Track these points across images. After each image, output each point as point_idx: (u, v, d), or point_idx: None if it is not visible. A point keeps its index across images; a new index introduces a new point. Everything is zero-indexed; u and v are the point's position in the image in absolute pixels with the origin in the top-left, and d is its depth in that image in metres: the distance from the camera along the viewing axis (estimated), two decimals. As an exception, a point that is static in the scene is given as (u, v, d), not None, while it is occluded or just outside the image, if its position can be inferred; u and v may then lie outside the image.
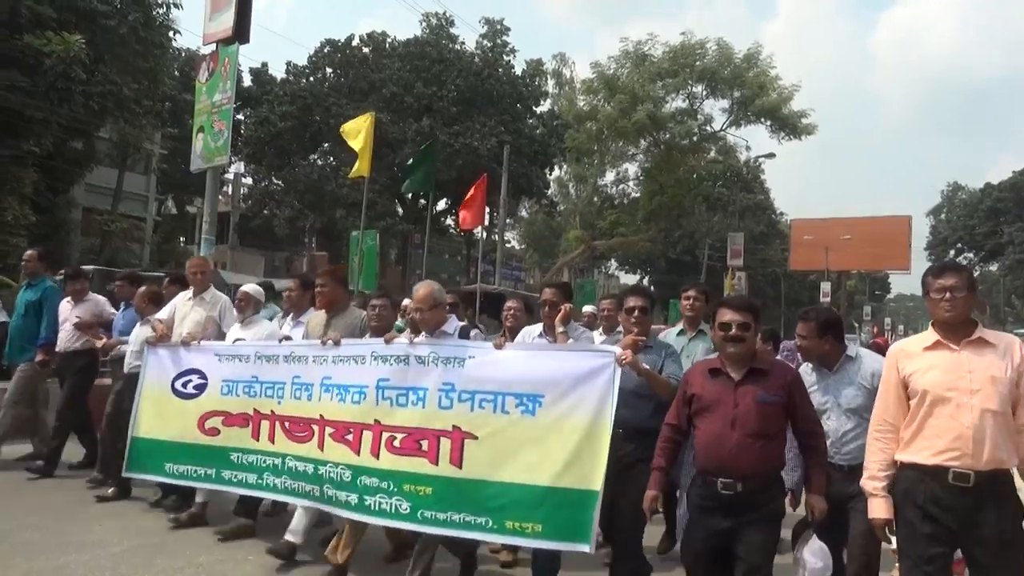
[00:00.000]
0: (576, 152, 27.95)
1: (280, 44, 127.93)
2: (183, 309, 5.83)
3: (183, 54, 29.19)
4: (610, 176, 33.06)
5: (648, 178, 28.13)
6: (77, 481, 6.20)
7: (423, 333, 4.45)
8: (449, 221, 37.72)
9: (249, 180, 37.91)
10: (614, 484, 3.68)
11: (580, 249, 30.21)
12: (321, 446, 4.50)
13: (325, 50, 34.92)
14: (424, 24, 35.03)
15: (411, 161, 13.32)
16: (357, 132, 11.25)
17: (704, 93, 25.77)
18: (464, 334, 4.48)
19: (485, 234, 29.30)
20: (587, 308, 8.53)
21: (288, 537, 4.63)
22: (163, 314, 5.81)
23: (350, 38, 35.11)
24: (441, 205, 35.90)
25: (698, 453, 3.29)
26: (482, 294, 12.15)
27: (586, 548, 3.59)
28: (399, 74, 32.50)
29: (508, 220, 37.85)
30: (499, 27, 34.84)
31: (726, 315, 3.31)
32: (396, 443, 4.19)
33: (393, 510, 4.09)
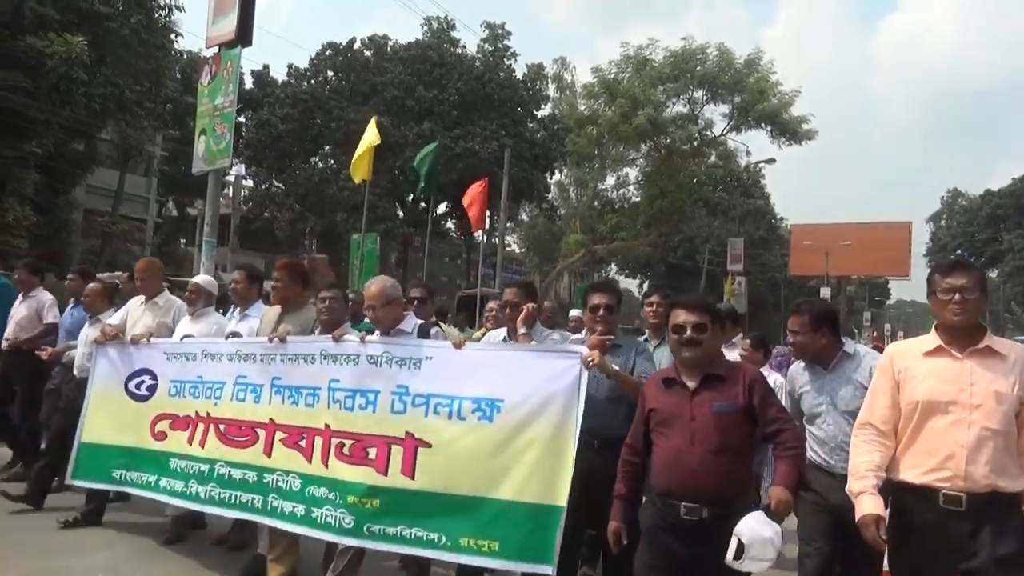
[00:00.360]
0: (577, 156, 27.98)
1: (281, 46, 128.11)
2: (135, 314, 5.50)
3: (185, 56, 29.22)
4: (610, 180, 33.09)
5: (648, 182, 28.14)
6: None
7: (377, 332, 4.16)
8: (449, 224, 37.74)
9: (250, 182, 37.90)
10: (594, 503, 3.38)
11: (580, 253, 30.22)
12: (268, 452, 4.17)
13: (326, 53, 34.95)
14: (425, 28, 35.09)
15: (417, 163, 13.25)
16: (363, 143, 11.21)
17: (705, 98, 25.79)
18: (424, 333, 4.12)
19: (485, 237, 29.32)
20: (574, 312, 8.43)
21: (261, 551, 4.35)
22: (115, 319, 5.51)
23: (351, 41, 35.14)
24: (442, 208, 35.92)
25: (656, 473, 2.93)
26: (483, 297, 12.17)
27: (548, 569, 3.28)
28: (400, 77, 32.53)
29: (509, 224, 37.85)
30: (500, 31, 34.88)
31: (679, 316, 2.99)
32: (345, 450, 3.89)
33: (338, 524, 3.77)
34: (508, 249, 41.32)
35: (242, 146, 33.15)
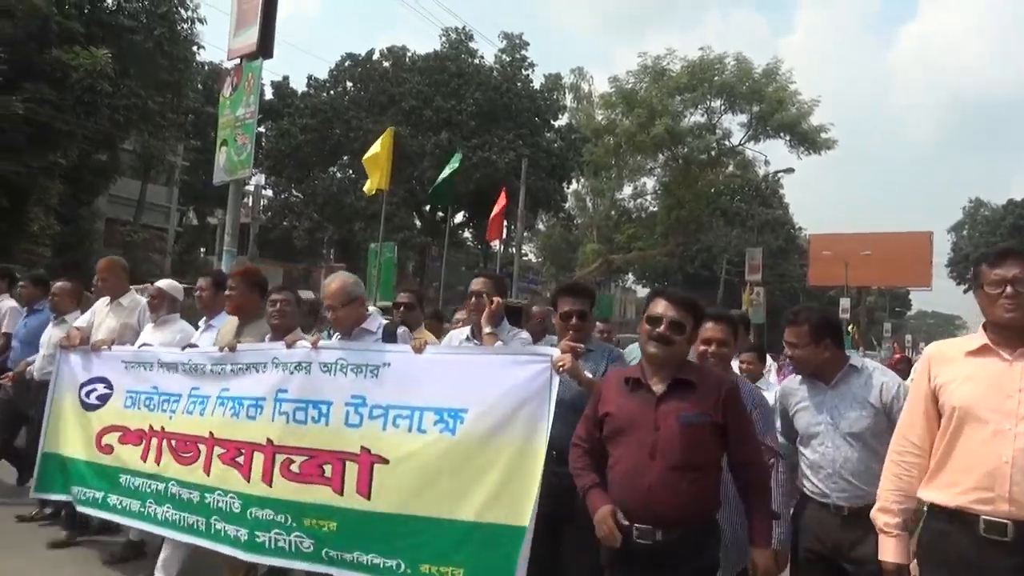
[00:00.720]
0: (594, 166, 27.99)
1: (302, 58, 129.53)
2: (100, 316, 5.21)
3: (206, 68, 29.61)
4: (628, 190, 33.07)
5: (666, 192, 28.09)
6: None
7: (336, 335, 3.82)
8: (467, 234, 37.83)
9: (269, 192, 38.25)
10: (554, 532, 3.08)
11: (597, 263, 30.18)
12: (207, 469, 3.83)
13: (346, 64, 35.25)
14: (444, 39, 35.29)
15: (443, 176, 13.35)
16: (375, 152, 11.35)
17: (723, 108, 25.75)
18: (389, 335, 3.74)
19: (503, 247, 29.36)
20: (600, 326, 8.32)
21: (157, 574, 4.05)
22: (81, 321, 5.25)
23: (371, 52, 35.44)
24: (459, 218, 36.04)
25: (610, 489, 2.61)
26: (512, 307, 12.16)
27: None
28: (418, 88, 32.73)
29: (525, 233, 37.88)
30: (518, 42, 35.01)
31: (659, 306, 2.67)
32: (294, 468, 3.52)
33: (293, 548, 3.44)
34: (525, 258, 41.32)
35: (262, 156, 33.47)
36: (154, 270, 27.61)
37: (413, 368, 3.43)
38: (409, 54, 35.09)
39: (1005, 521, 2.12)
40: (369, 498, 3.31)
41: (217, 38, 50.33)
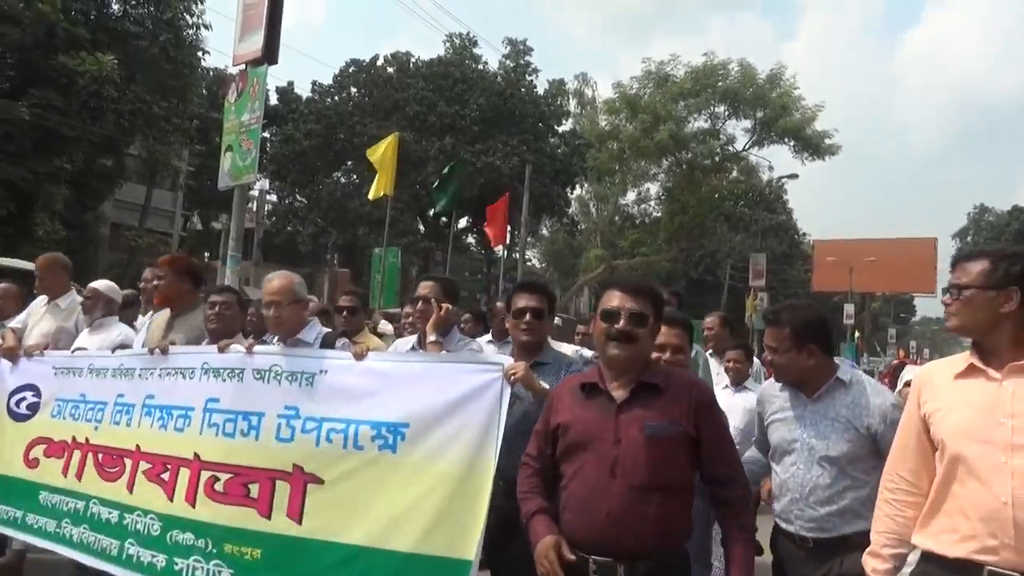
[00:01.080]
0: (598, 171, 28.03)
1: (306, 64, 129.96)
2: (35, 318, 4.86)
3: (211, 73, 29.75)
4: (631, 196, 33.15)
5: (670, 198, 28.10)
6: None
7: (275, 340, 3.48)
8: (470, 239, 37.87)
9: (273, 197, 38.35)
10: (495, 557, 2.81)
11: (601, 268, 30.18)
12: (130, 486, 3.45)
13: (350, 70, 35.37)
14: (448, 44, 35.42)
15: (439, 181, 13.43)
16: (379, 153, 11.41)
17: (726, 113, 25.77)
18: (328, 344, 3.42)
19: (506, 252, 29.37)
20: (581, 327, 8.23)
21: None
22: (16, 322, 4.86)
23: (375, 58, 35.55)
24: (463, 223, 36.08)
25: (563, 515, 2.26)
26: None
27: None
28: (422, 93, 32.82)
29: (529, 239, 37.92)
30: (522, 47, 35.11)
31: (613, 299, 2.32)
32: (218, 486, 3.16)
33: None
34: (528, 264, 41.34)
35: (266, 161, 33.59)
36: (159, 275, 27.68)
37: (351, 377, 3.09)
38: (413, 60, 35.20)
39: (1012, 574, 1.84)
40: (300, 522, 2.94)
41: (222, 44, 50.63)
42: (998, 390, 1.96)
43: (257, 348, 3.36)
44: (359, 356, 3.13)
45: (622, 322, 2.27)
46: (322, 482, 2.96)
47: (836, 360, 2.78)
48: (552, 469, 2.37)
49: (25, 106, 18.28)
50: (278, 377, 3.21)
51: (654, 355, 2.74)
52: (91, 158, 22.29)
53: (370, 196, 12.75)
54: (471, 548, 2.63)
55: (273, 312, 3.36)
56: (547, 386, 2.80)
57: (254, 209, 38.80)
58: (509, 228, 24.87)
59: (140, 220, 28.78)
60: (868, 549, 2.19)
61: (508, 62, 34.94)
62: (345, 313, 4.79)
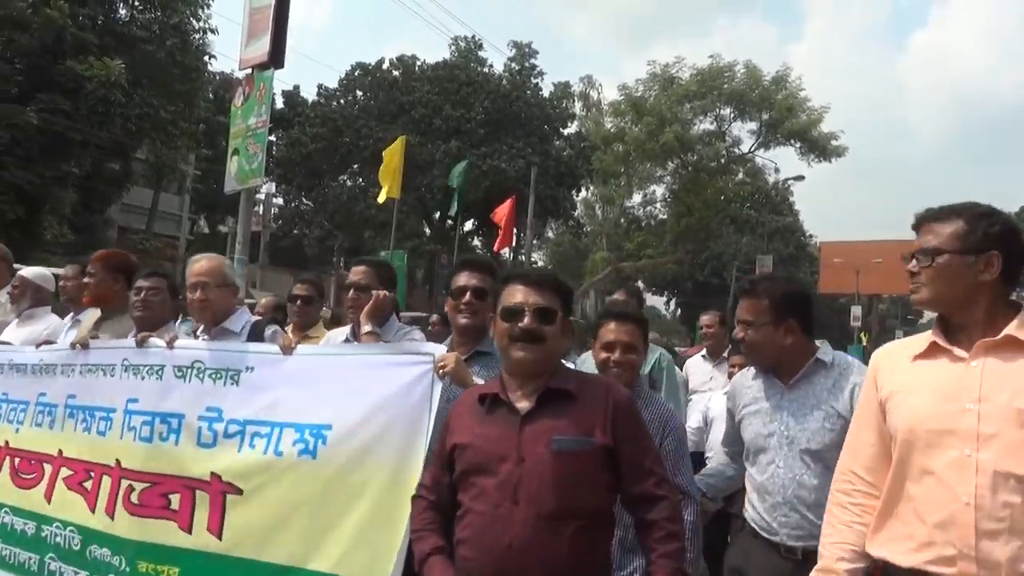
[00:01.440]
0: (603, 174, 28.00)
1: (312, 67, 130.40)
2: None
3: (217, 77, 29.88)
4: (637, 198, 33.03)
5: (676, 200, 28.05)
6: None
7: (200, 330, 3.17)
8: (476, 242, 37.90)
9: (280, 200, 38.48)
10: None
11: (607, 271, 30.15)
12: (49, 496, 3.14)
13: (356, 73, 35.48)
14: (453, 48, 35.50)
15: (451, 182, 13.49)
16: (388, 160, 11.46)
17: (732, 115, 25.73)
18: (257, 334, 3.07)
19: (512, 255, 29.39)
20: None
21: None
22: None
23: (380, 61, 35.67)
24: (468, 226, 36.12)
25: (459, 551, 1.95)
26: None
27: None
28: (428, 97, 32.89)
29: (535, 241, 37.92)
30: (527, 50, 35.18)
31: (516, 294, 2.00)
32: (134, 497, 2.86)
33: None
34: (534, 266, 41.36)
35: (272, 164, 33.70)
36: (166, 278, 27.81)
37: (277, 374, 2.78)
38: (419, 63, 35.29)
39: None
40: (220, 537, 2.66)
41: (228, 48, 50.80)
42: (965, 371, 1.68)
43: (178, 342, 3.01)
44: (286, 349, 2.80)
45: (527, 319, 1.95)
46: (241, 492, 2.66)
47: (817, 343, 2.47)
48: (451, 499, 2.01)
49: (33, 111, 18.40)
50: (200, 375, 2.88)
51: (601, 355, 2.63)
52: (99, 162, 22.41)
53: (380, 200, 12.79)
54: (388, 568, 2.32)
55: (199, 295, 3.03)
56: (482, 382, 2.42)
57: (261, 212, 38.96)
58: (515, 231, 24.89)
59: (147, 224, 28.91)
60: (819, 566, 1.86)
61: (513, 65, 35.00)
62: (299, 303, 4.38)
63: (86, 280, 3.72)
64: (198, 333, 3.20)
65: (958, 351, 1.72)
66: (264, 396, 2.76)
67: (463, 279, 2.71)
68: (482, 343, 2.69)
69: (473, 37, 35.55)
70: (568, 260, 47.90)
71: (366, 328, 2.86)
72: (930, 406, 1.69)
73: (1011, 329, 1.67)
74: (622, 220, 35.39)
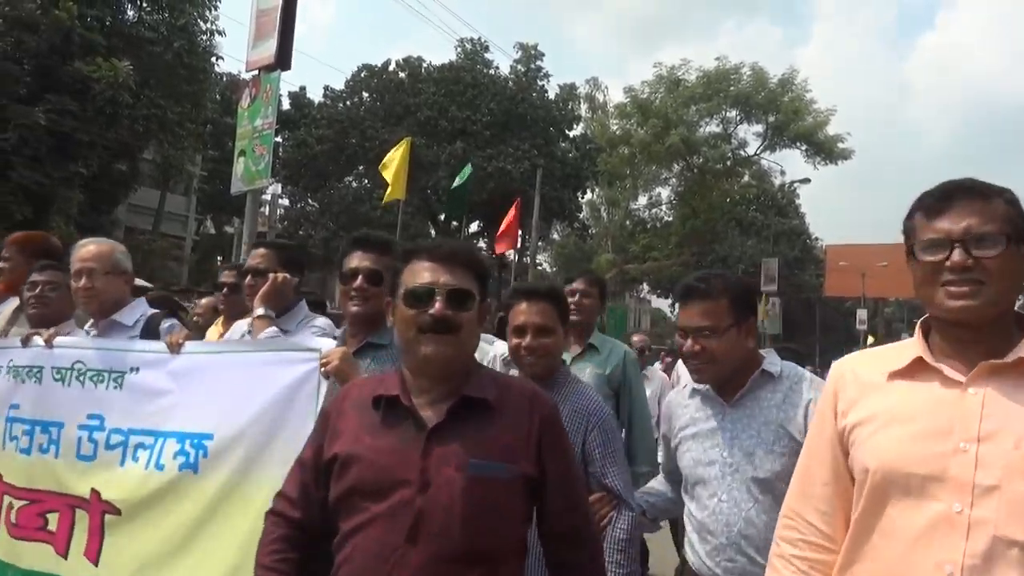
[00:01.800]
0: (609, 176, 28.06)
1: (318, 68, 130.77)
2: None
3: (224, 79, 29.97)
4: (643, 200, 33.09)
5: (681, 202, 28.09)
6: None
7: (89, 324, 2.85)
8: (481, 243, 37.92)
9: (286, 201, 38.56)
10: None
11: (612, 273, 30.16)
12: None
13: (362, 75, 35.54)
14: (459, 49, 35.52)
15: (455, 187, 13.53)
16: (392, 161, 11.50)
17: (738, 118, 25.76)
18: (151, 330, 2.76)
19: (517, 256, 29.40)
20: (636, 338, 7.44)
21: None
22: None
23: (387, 63, 35.70)
24: (473, 227, 36.14)
25: None
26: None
27: None
28: (434, 98, 32.93)
29: (540, 243, 37.92)
30: (533, 52, 35.17)
31: (423, 273, 1.58)
32: (13, 516, 2.53)
33: None
34: (539, 268, 41.33)
35: (278, 165, 33.78)
36: (171, 278, 27.92)
37: (163, 376, 2.46)
38: (425, 65, 35.32)
39: None
40: (97, 564, 2.34)
41: (235, 49, 51.06)
42: (960, 400, 1.29)
43: (59, 340, 2.68)
44: (173, 347, 2.48)
45: (438, 304, 1.55)
46: (119, 512, 2.35)
47: (762, 352, 2.14)
48: (321, 523, 1.60)
49: (41, 111, 18.49)
50: (81, 377, 2.54)
51: (512, 341, 2.28)
52: (106, 163, 22.51)
53: (384, 201, 12.82)
54: None
55: (84, 282, 2.69)
56: None
57: (267, 213, 39.10)
58: (520, 232, 24.91)
59: (154, 224, 29.02)
60: None
61: (519, 67, 35.00)
62: (225, 291, 3.84)
63: (1, 266, 3.36)
64: (87, 328, 2.87)
65: (951, 372, 1.33)
66: (149, 401, 2.44)
67: (355, 260, 2.35)
68: (376, 334, 2.35)
69: (479, 39, 35.63)
70: (573, 262, 47.88)
71: (258, 311, 2.55)
72: (911, 443, 1.30)
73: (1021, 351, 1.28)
74: (627, 222, 35.39)
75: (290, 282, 2.69)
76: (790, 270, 46.56)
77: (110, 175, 23.67)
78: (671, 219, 30.58)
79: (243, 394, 2.28)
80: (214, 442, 2.26)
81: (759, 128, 25.91)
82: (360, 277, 2.32)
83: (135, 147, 23.04)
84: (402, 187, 11.50)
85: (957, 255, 1.29)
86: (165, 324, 2.83)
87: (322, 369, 2.15)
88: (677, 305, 2.13)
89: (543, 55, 35.29)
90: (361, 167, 34.29)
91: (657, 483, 2.46)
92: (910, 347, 1.41)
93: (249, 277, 2.76)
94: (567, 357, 3.29)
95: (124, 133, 20.90)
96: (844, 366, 1.51)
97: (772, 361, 2.05)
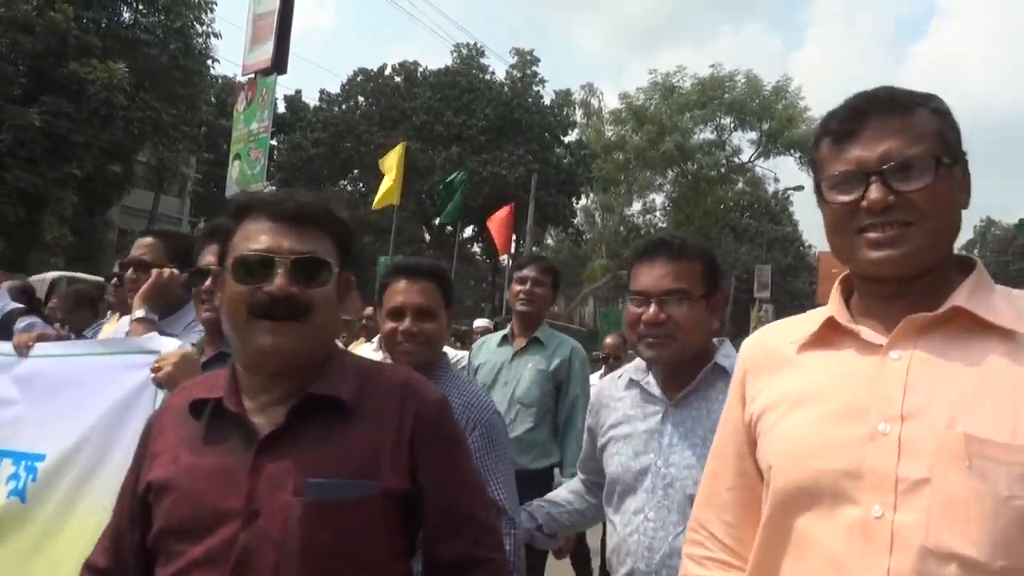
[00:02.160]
0: (603, 181, 28.14)
1: (314, 72, 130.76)
2: None
3: (219, 81, 29.97)
4: (637, 206, 33.17)
5: (675, 208, 28.18)
6: None
7: None
8: (476, 248, 37.95)
9: (280, 204, 38.51)
10: None
11: (606, 278, 30.23)
12: None
13: (358, 79, 35.57)
14: (455, 54, 35.61)
15: (444, 189, 13.59)
16: (391, 166, 11.54)
17: (732, 125, 25.88)
18: (5, 326, 2.55)
19: (511, 262, 29.45)
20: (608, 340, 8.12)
21: None
22: None
23: (383, 67, 35.76)
24: (468, 232, 36.17)
25: None
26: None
27: None
28: (429, 103, 32.99)
29: (534, 248, 37.98)
30: (529, 58, 35.29)
31: (258, 237, 1.20)
32: None
33: None
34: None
35: (274, 169, 33.75)
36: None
37: (7, 382, 2.09)
38: (421, 69, 35.38)
39: None
40: None
41: (231, 51, 51.02)
42: (880, 367, 1.01)
43: None
44: (20, 348, 2.12)
45: (278, 279, 1.16)
46: None
47: (716, 341, 1.76)
48: (140, 569, 1.25)
49: (36, 113, 18.47)
50: None
51: (388, 325, 1.93)
52: (100, 164, 22.46)
53: (375, 205, 12.84)
54: None
55: None
56: None
57: (261, 216, 39.10)
58: (515, 237, 24.94)
59: (147, 226, 28.92)
60: None
61: (515, 72, 35.11)
62: (115, 282, 3.35)
63: None
64: None
65: (869, 335, 1.04)
66: None
67: (208, 257, 1.93)
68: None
69: (475, 44, 35.69)
70: (567, 267, 47.91)
71: (137, 313, 2.16)
72: (818, 429, 1.01)
73: (959, 298, 1.00)
74: (621, 228, 35.45)
75: (177, 278, 2.25)
76: (783, 277, 46.70)
77: (104, 177, 23.62)
78: (665, 225, 30.66)
79: (76, 406, 1.92)
80: (45, 464, 1.89)
81: (753, 135, 26.07)
82: (209, 278, 1.86)
83: (130, 149, 23.00)
84: (397, 192, 11.53)
85: (875, 191, 1.00)
86: (22, 323, 2.50)
87: (153, 376, 1.77)
88: (636, 264, 1.69)
89: (538, 60, 35.47)
90: (356, 171, 34.30)
91: (565, 489, 2.08)
92: (824, 310, 1.12)
93: (131, 270, 2.32)
94: (509, 350, 3.16)
95: (119, 135, 20.87)
96: (753, 341, 1.23)
97: (726, 353, 1.67)
